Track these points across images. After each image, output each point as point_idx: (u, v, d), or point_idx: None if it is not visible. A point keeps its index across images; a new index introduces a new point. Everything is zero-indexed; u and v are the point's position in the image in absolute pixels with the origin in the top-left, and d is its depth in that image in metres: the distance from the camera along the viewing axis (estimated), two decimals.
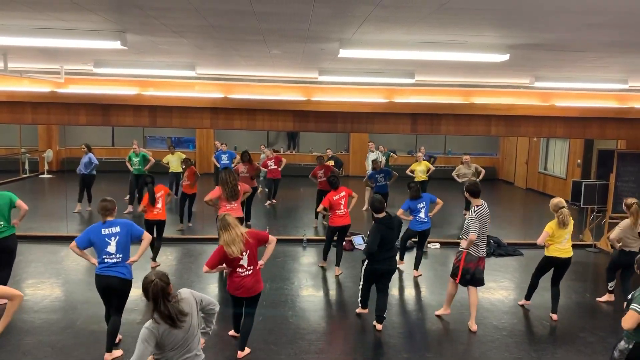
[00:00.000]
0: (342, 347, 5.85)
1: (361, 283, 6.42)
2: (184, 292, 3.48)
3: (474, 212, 6.13)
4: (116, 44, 4.67)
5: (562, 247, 6.55)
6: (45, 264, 8.25)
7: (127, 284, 5.23)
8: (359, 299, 6.56)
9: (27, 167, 17.77)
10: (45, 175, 17.90)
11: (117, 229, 5.20)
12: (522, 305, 7.08)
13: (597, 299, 7.47)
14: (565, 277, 6.88)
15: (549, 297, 6.81)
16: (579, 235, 10.86)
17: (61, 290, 7.32)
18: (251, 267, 5.13)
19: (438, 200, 8.30)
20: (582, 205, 10.32)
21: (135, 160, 12.24)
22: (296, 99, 9.12)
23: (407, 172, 13.19)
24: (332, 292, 7.56)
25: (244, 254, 5.05)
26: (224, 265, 5.12)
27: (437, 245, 10.01)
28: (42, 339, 5.70)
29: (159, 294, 3.23)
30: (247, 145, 15.11)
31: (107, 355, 5.23)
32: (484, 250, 6.28)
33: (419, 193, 8.18)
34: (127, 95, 8.90)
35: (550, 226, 6.53)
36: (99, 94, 8.85)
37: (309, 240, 9.99)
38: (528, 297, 7.06)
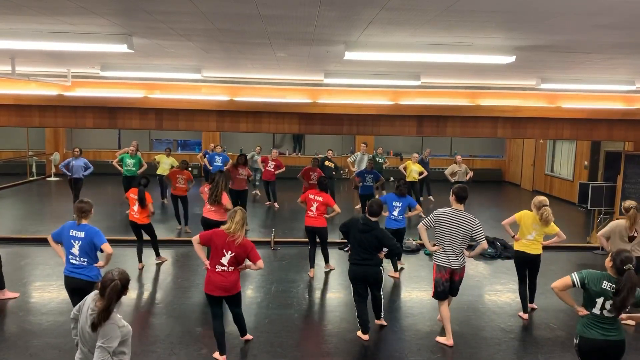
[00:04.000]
0: (349, 350, 5.83)
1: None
2: (123, 322, 3.51)
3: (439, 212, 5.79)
4: (123, 48, 4.70)
5: (527, 241, 6.51)
6: (52, 266, 8.28)
7: (93, 286, 5.08)
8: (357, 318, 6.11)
9: (34, 169, 17.88)
10: (52, 178, 18.00)
11: (82, 234, 5.18)
12: (523, 317, 6.73)
13: None
14: None
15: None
16: (586, 238, 10.81)
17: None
18: (224, 269, 5.15)
19: (418, 207, 8.47)
20: (589, 208, 10.27)
21: (130, 162, 12.18)
22: (302, 102, 9.13)
23: (400, 167, 13.60)
24: (339, 295, 7.55)
25: (227, 253, 5.10)
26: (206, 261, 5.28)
27: None
28: (49, 341, 5.73)
29: (114, 295, 3.44)
30: (252, 149, 15.12)
31: None
32: (456, 262, 5.76)
33: (404, 193, 8.30)
34: (134, 98, 8.95)
35: (521, 215, 6.54)
36: (105, 97, 8.91)
37: None
38: (525, 309, 6.75)
